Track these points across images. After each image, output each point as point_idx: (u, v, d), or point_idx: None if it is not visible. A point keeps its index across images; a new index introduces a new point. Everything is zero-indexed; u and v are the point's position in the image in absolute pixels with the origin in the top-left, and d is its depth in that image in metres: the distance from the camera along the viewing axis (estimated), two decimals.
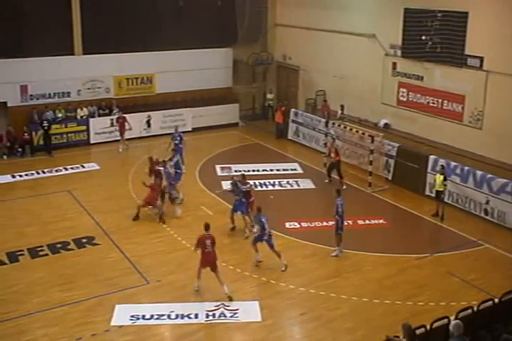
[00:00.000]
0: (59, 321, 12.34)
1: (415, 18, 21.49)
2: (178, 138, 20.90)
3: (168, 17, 26.71)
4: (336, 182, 20.27)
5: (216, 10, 28.03)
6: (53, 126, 23.64)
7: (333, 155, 20.32)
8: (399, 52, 22.67)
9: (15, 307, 12.81)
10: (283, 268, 14.52)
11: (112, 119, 24.94)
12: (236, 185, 16.91)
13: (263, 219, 14.46)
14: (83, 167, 21.99)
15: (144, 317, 12.50)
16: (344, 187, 19.77)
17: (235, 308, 12.81)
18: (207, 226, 13.35)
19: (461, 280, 13.99)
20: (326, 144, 21.82)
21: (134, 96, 26.46)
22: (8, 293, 13.42)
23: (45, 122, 23.46)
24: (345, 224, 16.05)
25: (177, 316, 12.56)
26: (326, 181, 20.52)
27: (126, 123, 24.10)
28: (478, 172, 17.63)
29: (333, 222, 17.12)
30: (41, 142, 23.76)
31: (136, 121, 25.48)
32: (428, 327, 9.40)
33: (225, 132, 26.92)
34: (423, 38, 21.30)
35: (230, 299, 13.03)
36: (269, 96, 29.16)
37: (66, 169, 21.73)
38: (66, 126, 24.15)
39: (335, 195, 15.49)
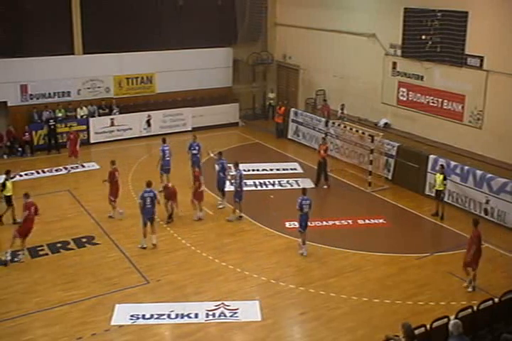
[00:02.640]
0: (59, 320, 12.35)
1: (415, 17, 21.49)
2: (197, 148, 19.89)
3: (168, 17, 26.73)
4: (336, 183, 20.34)
5: (216, 9, 28.05)
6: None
7: (322, 152, 20.17)
8: (399, 52, 22.68)
9: (15, 306, 12.82)
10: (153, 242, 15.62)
11: (112, 119, 25.03)
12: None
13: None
14: (83, 166, 21.98)
15: (143, 316, 12.50)
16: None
17: (235, 308, 12.80)
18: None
19: (461, 279, 13.97)
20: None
21: (134, 96, 26.48)
22: (9, 292, 13.43)
23: (51, 121, 23.56)
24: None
25: (177, 316, 12.55)
26: (325, 187, 20.33)
27: (78, 141, 22.03)
28: (478, 172, 17.63)
29: (333, 222, 17.29)
30: (41, 142, 23.80)
31: (136, 121, 25.57)
32: (428, 326, 9.42)
33: (225, 132, 26.93)
34: (423, 37, 21.31)
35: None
36: (270, 95, 29.15)
37: (66, 169, 21.72)
38: (66, 126, 24.15)
39: (301, 194, 15.48)
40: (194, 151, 19.78)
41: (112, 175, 17.54)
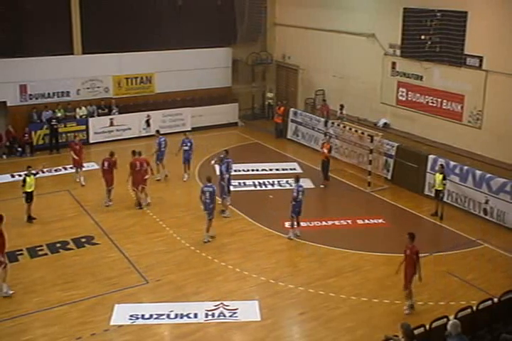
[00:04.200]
0: (58, 320, 12.36)
1: (414, 17, 21.48)
2: (189, 144, 20.25)
3: (167, 16, 26.73)
4: (335, 183, 20.38)
5: (216, 9, 28.04)
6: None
7: (325, 150, 20.26)
8: (398, 52, 22.68)
9: (15, 306, 12.82)
10: (205, 240, 15.92)
11: (112, 119, 25.05)
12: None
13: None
14: (83, 166, 21.92)
15: (143, 316, 12.51)
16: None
17: (235, 308, 12.81)
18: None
19: (460, 279, 14.00)
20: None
21: (134, 96, 26.48)
22: None
23: (53, 121, 23.57)
24: (338, 223, 16.15)
25: (176, 316, 12.57)
26: (321, 186, 20.36)
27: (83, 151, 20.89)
28: (478, 172, 17.64)
29: (332, 222, 17.30)
30: (41, 142, 23.81)
31: (135, 121, 25.58)
32: (427, 326, 9.43)
33: (225, 132, 26.94)
34: (422, 37, 21.30)
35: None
36: (269, 95, 29.16)
37: (65, 169, 21.72)
38: (65, 126, 24.14)
39: (294, 181, 16.47)
40: (186, 147, 20.36)
41: (101, 164, 18.58)
